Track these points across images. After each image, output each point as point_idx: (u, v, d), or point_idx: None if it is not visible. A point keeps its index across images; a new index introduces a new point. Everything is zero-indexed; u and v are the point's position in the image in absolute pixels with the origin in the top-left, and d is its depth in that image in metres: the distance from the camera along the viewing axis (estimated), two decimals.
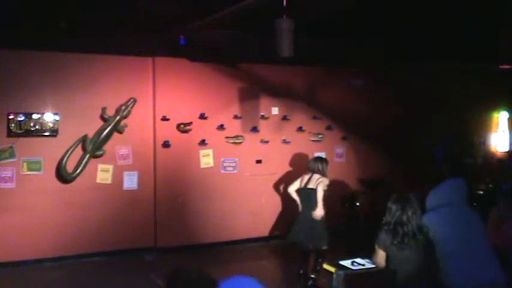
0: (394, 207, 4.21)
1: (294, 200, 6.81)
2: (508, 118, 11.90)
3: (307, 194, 6.56)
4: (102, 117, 8.16)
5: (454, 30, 8.20)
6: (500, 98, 11.59)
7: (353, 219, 9.15)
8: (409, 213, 4.15)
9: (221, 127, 8.91)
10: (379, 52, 9.03)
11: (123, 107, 8.24)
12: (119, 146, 8.30)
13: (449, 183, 4.56)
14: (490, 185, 9.10)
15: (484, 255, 4.25)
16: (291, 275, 6.91)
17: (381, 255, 4.24)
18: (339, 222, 9.01)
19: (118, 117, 8.20)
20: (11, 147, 7.67)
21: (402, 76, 10.08)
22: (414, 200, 4.25)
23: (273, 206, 9.20)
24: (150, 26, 7.69)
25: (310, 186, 6.56)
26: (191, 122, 8.67)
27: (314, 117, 9.66)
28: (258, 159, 9.18)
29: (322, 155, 9.33)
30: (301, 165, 9.42)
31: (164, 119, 8.50)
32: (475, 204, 6.79)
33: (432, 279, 4.15)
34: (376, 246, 4.26)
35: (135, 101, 8.32)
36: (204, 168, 8.80)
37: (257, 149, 9.19)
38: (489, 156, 11.74)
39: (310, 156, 9.50)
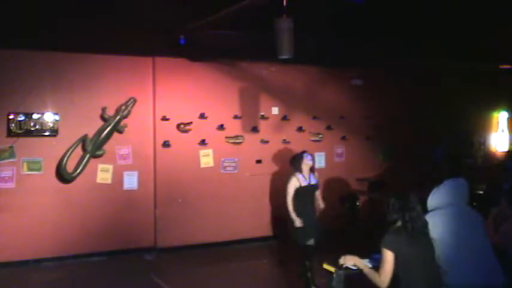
0: (398, 205, 4.12)
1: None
2: (508, 118, 11.91)
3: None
4: (102, 117, 8.16)
5: (455, 30, 8.21)
6: (500, 98, 11.59)
7: (353, 219, 9.15)
8: (418, 208, 4.09)
9: (221, 127, 8.91)
10: (379, 52, 9.04)
11: (123, 107, 8.23)
12: (119, 146, 8.29)
13: (450, 183, 4.54)
14: (490, 185, 9.10)
15: (484, 255, 4.25)
16: (291, 275, 6.90)
17: (389, 260, 4.00)
18: (339, 222, 9.04)
19: (118, 117, 8.19)
20: (11, 147, 7.67)
21: (402, 76, 10.08)
22: (415, 198, 4.20)
23: (273, 205, 9.19)
24: (150, 26, 7.70)
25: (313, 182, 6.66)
26: (191, 122, 8.67)
27: (314, 117, 9.66)
28: (258, 159, 9.18)
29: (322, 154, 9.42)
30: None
31: (164, 119, 8.51)
32: (474, 204, 6.78)
33: (435, 279, 4.12)
34: (384, 248, 4.01)
35: (135, 101, 8.32)
36: (204, 168, 8.80)
37: (257, 149, 9.19)
38: (489, 156, 11.74)
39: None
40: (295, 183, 6.55)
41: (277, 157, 9.25)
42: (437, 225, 4.24)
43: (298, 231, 6.47)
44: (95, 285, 7.11)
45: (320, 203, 6.81)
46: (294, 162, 6.70)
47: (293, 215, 6.49)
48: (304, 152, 6.77)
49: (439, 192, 4.51)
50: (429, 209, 4.45)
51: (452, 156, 10.20)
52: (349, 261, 4.33)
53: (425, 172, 9.09)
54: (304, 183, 6.56)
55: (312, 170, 6.71)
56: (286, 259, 7.78)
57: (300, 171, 6.60)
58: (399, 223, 4.07)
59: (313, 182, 6.65)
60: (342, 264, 4.37)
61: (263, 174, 9.17)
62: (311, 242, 6.48)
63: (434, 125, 10.32)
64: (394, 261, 4.01)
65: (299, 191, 6.53)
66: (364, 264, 4.22)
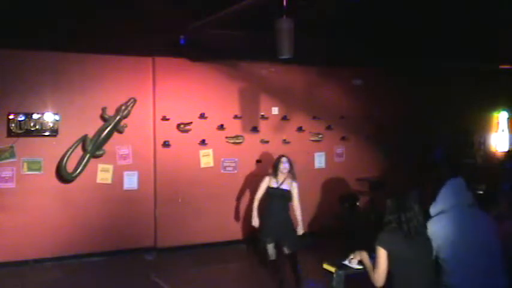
0: (394, 206, 4.14)
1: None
2: (508, 118, 11.91)
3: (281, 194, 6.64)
4: (102, 117, 8.16)
5: (454, 30, 8.21)
6: (500, 98, 11.59)
7: (353, 219, 9.14)
8: (415, 208, 4.10)
9: (221, 127, 8.91)
10: (379, 52, 9.04)
11: (123, 107, 8.24)
12: (119, 146, 8.30)
13: (449, 185, 4.53)
14: (490, 185, 9.10)
15: (485, 256, 4.22)
16: (290, 275, 6.90)
17: (382, 258, 4.05)
18: (338, 222, 9.04)
19: (118, 117, 8.20)
20: (11, 147, 7.67)
21: (402, 76, 10.08)
22: (415, 196, 4.21)
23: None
24: (150, 26, 7.70)
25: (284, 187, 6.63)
26: (191, 122, 8.67)
27: (314, 117, 9.66)
28: (258, 159, 9.18)
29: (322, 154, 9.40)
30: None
31: (164, 119, 8.51)
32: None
33: (433, 279, 4.12)
34: (378, 246, 4.07)
35: (135, 101, 8.32)
36: (204, 168, 8.80)
37: (257, 149, 9.19)
38: (489, 156, 11.74)
39: (309, 155, 9.57)
40: (266, 181, 6.69)
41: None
42: (440, 228, 4.24)
43: (260, 230, 6.68)
44: (95, 285, 7.11)
45: (299, 227, 6.57)
46: (273, 165, 6.77)
47: (253, 212, 6.73)
48: (282, 156, 6.74)
49: (440, 198, 4.49)
50: (432, 215, 4.44)
51: (451, 156, 10.20)
52: (358, 256, 4.38)
53: (425, 172, 9.09)
54: (273, 185, 6.61)
55: (291, 176, 6.63)
56: (286, 259, 7.77)
57: (275, 175, 6.64)
58: (395, 224, 4.09)
59: (283, 187, 6.59)
60: (351, 259, 4.44)
61: (263, 174, 9.15)
62: (271, 247, 6.64)
63: (434, 125, 10.32)
64: (388, 260, 4.04)
65: (267, 191, 6.65)
66: (369, 260, 4.25)
